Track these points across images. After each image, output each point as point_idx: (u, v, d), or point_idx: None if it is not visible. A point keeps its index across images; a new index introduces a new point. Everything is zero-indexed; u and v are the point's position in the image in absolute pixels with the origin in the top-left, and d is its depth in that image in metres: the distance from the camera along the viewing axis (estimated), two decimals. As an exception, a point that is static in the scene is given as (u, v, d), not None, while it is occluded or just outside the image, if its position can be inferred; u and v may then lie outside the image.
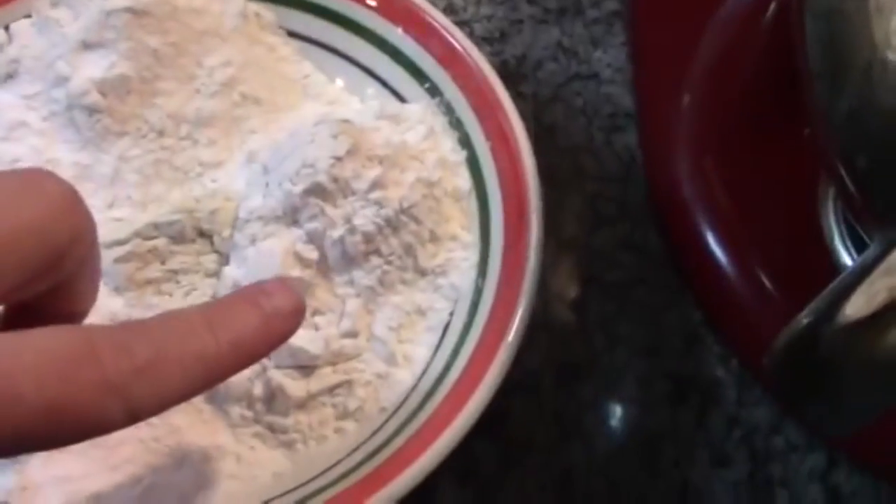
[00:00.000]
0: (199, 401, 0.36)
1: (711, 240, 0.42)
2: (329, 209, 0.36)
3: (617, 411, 0.40)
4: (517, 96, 0.44)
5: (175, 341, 0.26)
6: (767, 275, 0.40)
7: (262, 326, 0.28)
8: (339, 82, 0.42)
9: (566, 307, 0.42)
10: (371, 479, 0.31)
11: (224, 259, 0.37)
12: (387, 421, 0.35)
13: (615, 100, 0.47)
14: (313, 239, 0.36)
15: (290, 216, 0.36)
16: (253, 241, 0.36)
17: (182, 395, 0.26)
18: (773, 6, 0.45)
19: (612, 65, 0.48)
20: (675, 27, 0.48)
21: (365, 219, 0.36)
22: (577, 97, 0.47)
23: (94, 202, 0.38)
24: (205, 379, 0.27)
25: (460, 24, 0.46)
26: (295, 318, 0.30)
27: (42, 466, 0.33)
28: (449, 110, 0.40)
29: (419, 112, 0.40)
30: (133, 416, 0.25)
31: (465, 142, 0.39)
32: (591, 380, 0.40)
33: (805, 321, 0.26)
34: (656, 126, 0.46)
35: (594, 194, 0.45)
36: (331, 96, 0.42)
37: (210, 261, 0.37)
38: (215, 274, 0.37)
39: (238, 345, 0.27)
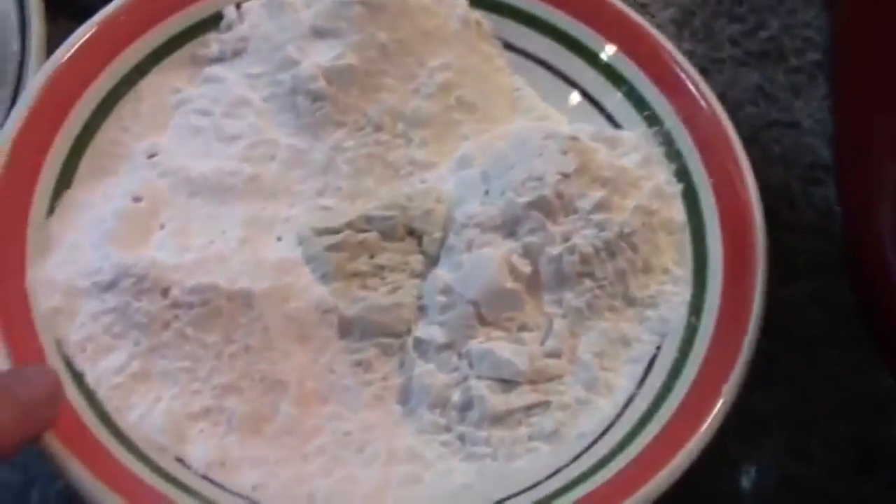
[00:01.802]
0: (390, 400, 0.35)
1: None
2: (550, 225, 0.35)
3: (799, 472, 0.39)
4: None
5: None
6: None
7: (21, 416, 0.28)
8: (569, 98, 0.42)
9: (754, 356, 0.41)
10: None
11: (431, 261, 0.37)
12: (587, 449, 0.34)
13: (815, 150, 0.46)
14: (529, 253, 0.35)
15: (509, 227, 0.36)
16: (469, 247, 0.36)
17: None
18: None
19: (812, 115, 0.47)
20: (880, 82, 0.47)
21: (584, 239, 0.35)
22: (775, 144, 0.46)
23: (304, 188, 0.38)
24: None
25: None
26: (54, 403, 0.30)
27: (239, 445, 0.33)
28: (667, 141, 0.39)
29: (634, 139, 0.39)
30: None
31: (683, 174, 0.38)
32: (774, 435, 0.39)
33: None
34: (857, 182, 0.45)
35: (788, 245, 0.43)
36: (540, 112, 0.42)
37: (417, 261, 0.37)
38: (420, 275, 0.37)
39: None
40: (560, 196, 0.35)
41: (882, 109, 0.45)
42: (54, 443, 0.30)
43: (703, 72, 0.48)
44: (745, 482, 0.38)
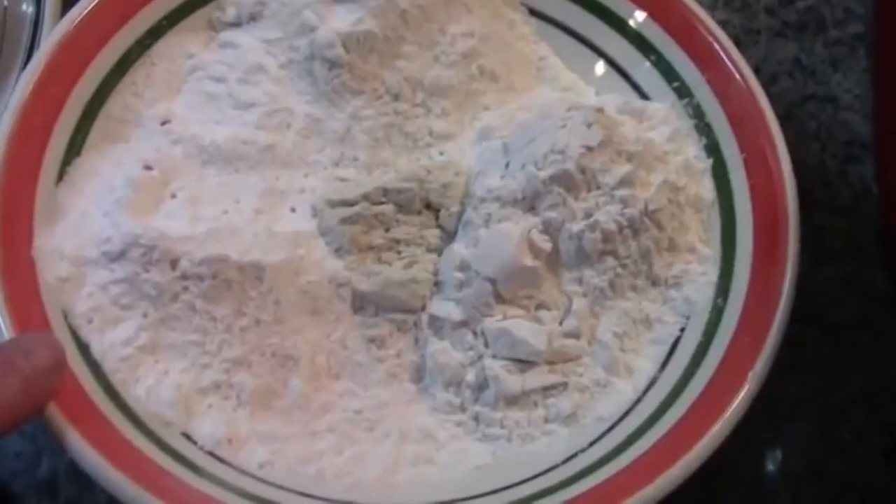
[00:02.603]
0: (404, 378, 0.35)
1: None
2: (571, 200, 0.34)
3: (827, 460, 0.37)
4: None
5: None
6: None
7: (23, 389, 0.27)
8: (596, 68, 0.40)
9: (781, 341, 0.40)
10: (601, 498, 0.29)
11: (447, 235, 0.36)
12: (606, 433, 0.32)
13: (853, 127, 0.44)
14: (549, 229, 0.34)
15: (529, 201, 0.34)
16: (487, 221, 0.34)
17: None
18: None
19: (851, 90, 0.45)
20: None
21: (608, 216, 0.34)
22: (811, 119, 0.44)
23: (320, 158, 0.37)
24: None
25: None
26: (57, 373, 0.29)
27: (248, 421, 0.33)
28: (697, 114, 0.38)
29: (664, 111, 0.38)
30: None
31: (713, 149, 0.37)
32: (803, 422, 0.38)
33: None
34: (896, 160, 0.43)
35: (821, 225, 0.42)
36: (565, 82, 0.40)
37: (433, 235, 0.36)
38: (437, 249, 0.36)
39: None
40: (583, 170, 0.34)
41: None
42: (56, 415, 0.29)
43: (738, 43, 0.45)
44: (771, 470, 0.37)
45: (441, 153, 0.38)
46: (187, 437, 0.32)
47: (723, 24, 0.46)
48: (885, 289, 0.40)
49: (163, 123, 0.37)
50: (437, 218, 0.36)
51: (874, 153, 0.43)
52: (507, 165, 0.35)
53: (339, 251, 0.35)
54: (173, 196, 0.35)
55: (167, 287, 0.33)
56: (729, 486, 0.36)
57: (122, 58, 0.37)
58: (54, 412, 0.29)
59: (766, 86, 0.44)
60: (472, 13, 0.39)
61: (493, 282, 0.34)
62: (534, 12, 0.41)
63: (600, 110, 0.35)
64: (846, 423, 0.38)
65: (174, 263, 0.33)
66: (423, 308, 0.35)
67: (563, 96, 0.40)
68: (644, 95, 0.39)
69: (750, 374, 0.31)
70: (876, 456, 0.37)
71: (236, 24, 0.39)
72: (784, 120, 0.44)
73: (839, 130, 0.44)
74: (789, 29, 0.46)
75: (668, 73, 0.38)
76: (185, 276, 0.33)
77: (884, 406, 0.38)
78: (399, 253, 0.35)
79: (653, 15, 0.39)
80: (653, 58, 0.39)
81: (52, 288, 0.33)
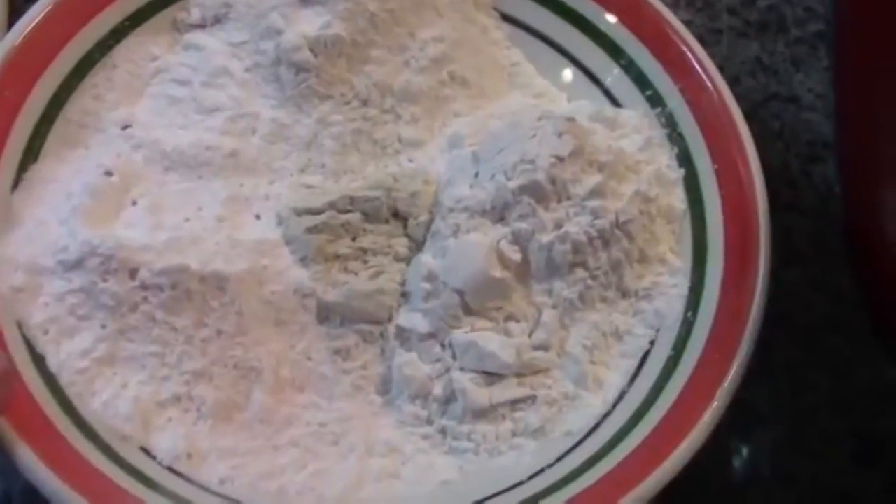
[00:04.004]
0: (370, 391, 0.34)
1: None
2: (541, 211, 0.33)
3: (797, 464, 0.37)
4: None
5: None
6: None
7: None
8: (566, 74, 0.40)
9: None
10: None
11: (416, 245, 0.35)
12: (574, 447, 0.32)
13: (815, 127, 0.44)
14: (518, 240, 0.34)
15: (499, 212, 0.34)
16: (456, 231, 0.34)
17: None
18: None
19: (813, 90, 0.45)
20: (887, 54, 0.44)
21: (578, 227, 0.33)
22: (774, 119, 0.44)
23: (286, 164, 0.37)
24: None
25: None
26: (5, 385, 0.28)
27: (208, 435, 0.32)
28: (670, 123, 0.37)
29: (636, 120, 0.37)
30: None
31: (685, 159, 0.37)
32: (772, 425, 0.37)
33: None
34: (859, 162, 0.42)
35: (787, 227, 0.41)
36: (538, 88, 0.40)
37: (401, 244, 0.35)
38: (405, 259, 0.35)
39: None
40: (553, 181, 0.33)
41: (886, 82, 0.43)
42: (7, 431, 0.28)
43: (701, 43, 0.45)
44: (740, 474, 0.37)
45: (410, 160, 0.37)
46: (146, 452, 0.31)
47: (686, 24, 0.45)
48: (852, 290, 0.40)
49: (124, 128, 0.36)
50: (405, 227, 0.35)
51: (836, 153, 0.43)
52: (476, 175, 0.35)
53: (304, 260, 0.34)
54: (134, 203, 0.34)
55: (126, 297, 0.32)
56: (698, 490, 0.35)
57: (83, 60, 0.37)
58: (5, 428, 0.28)
59: (730, 85, 0.44)
60: (443, 18, 0.39)
61: (461, 293, 0.33)
62: (506, 17, 0.41)
63: (571, 119, 0.34)
64: (815, 427, 0.37)
65: (133, 273, 0.32)
66: (390, 319, 0.34)
67: (535, 103, 0.39)
68: (616, 102, 0.39)
69: (718, 392, 0.30)
70: (845, 459, 0.37)
71: (201, 26, 0.38)
72: (747, 120, 0.43)
73: (802, 130, 0.44)
74: (751, 28, 0.46)
75: (640, 80, 0.38)
76: (144, 287, 0.32)
77: (852, 409, 0.38)
78: (366, 262, 0.35)
79: (623, 21, 0.38)
80: (623, 63, 0.38)
81: (7, 298, 0.32)
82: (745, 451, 0.37)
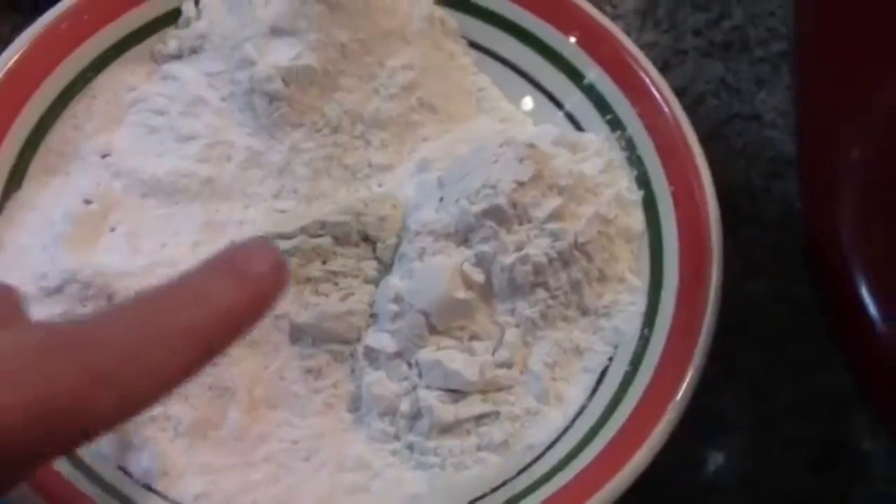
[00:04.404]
0: (341, 408, 0.35)
1: (868, 302, 0.39)
2: (503, 234, 0.35)
3: (759, 471, 0.39)
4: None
5: (161, 319, 0.25)
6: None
7: (248, 293, 0.26)
8: (527, 101, 0.41)
9: (711, 355, 0.41)
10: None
11: (384, 267, 0.37)
12: (535, 461, 0.33)
13: (777, 144, 0.45)
14: (482, 262, 0.35)
15: (463, 235, 0.35)
16: (421, 254, 0.35)
17: (178, 377, 0.25)
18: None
19: (776, 108, 0.46)
20: (845, 73, 0.46)
21: (538, 249, 0.35)
22: (737, 137, 0.45)
23: (260, 190, 0.38)
24: (200, 355, 0.25)
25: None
26: (280, 276, 0.27)
27: (184, 453, 0.33)
28: (630, 146, 0.39)
29: (597, 143, 0.39)
30: (129, 407, 0.24)
31: (643, 181, 0.38)
32: (733, 434, 0.39)
33: None
34: (819, 176, 0.44)
35: (749, 240, 0.43)
36: (505, 113, 0.41)
37: (370, 267, 0.36)
38: (374, 281, 0.36)
39: (226, 316, 0.26)
40: (514, 205, 0.35)
41: (843, 100, 0.45)
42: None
43: (666, 64, 0.47)
44: (703, 482, 0.38)
45: (380, 185, 0.39)
46: (123, 470, 0.32)
47: (651, 46, 0.47)
48: (811, 301, 0.41)
49: (103, 156, 0.38)
50: (374, 250, 0.37)
51: (797, 169, 0.45)
52: (441, 199, 0.36)
53: (277, 283, 0.36)
54: (112, 230, 0.36)
55: (104, 321, 0.33)
56: (662, 497, 0.37)
57: (64, 91, 0.38)
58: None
59: (694, 105, 0.46)
60: (411, 46, 0.40)
61: (426, 314, 0.34)
62: (473, 45, 0.42)
63: (532, 145, 0.36)
64: (776, 433, 0.39)
65: (111, 298, 0.33)
66: (360, 339, 0.35)
67: (501, 127, 0.40)
68: (579, 126, 0.40)
69: (669, 406, 0.32)
70: (805, 465, 0.38)
71: (178, 57, 0.40)
72: (711, 138, 0.45)
73: (764, 147, 0.45)
74: (715, 49, 0.47)
75: (600, 105, 0.39)
76: (122, 311, 0.33)
77: (812, 416, 0.39)
78: (336, 285, 0.36)
79: (584, 47, 0.40)
80: (585, 88, 0.40)
81: (-11, 323, 0.33)
82: (708, 458, 0.38)
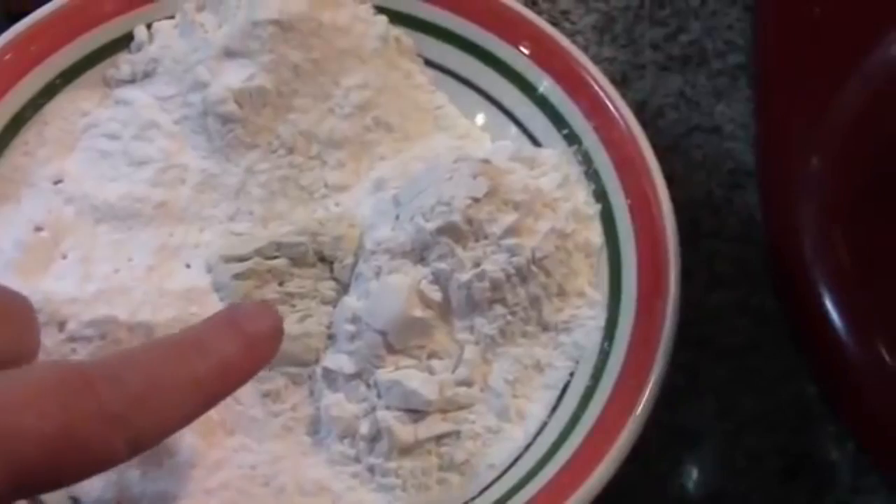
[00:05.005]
0: (299, 431, 0.35)
1: (832, 310, 0.39)
2: (459, 251, 0.34)
3: (725, 483, 0.38)
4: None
5: (168, 368, 0.26)
6: (892, 353, 0.37)
7: (246, 350, 0.28)
8: (480, 118, 0.41)
9: (676, 368, 0.41)
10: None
11: (342, 287, 0.36)
12: (496, 479, 0.33)
13: (737, 156, 0.45)
14: (439, 280, 0.35)
15: (418, 253, 0.35)
16: (378, 274, 0.35)
17: (179, 422, 0.27)
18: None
19: (735, 119, 0.46)
20: (804, 84, 0.46)
21: (495, 265, 0.34)
22: (697, 150, 0.45)
23: (216, 213, 0.38)
24: (200, 404, 0.27)
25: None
26: (275, 340, 0.30)
27: (140, 481, 0.32)
28: (586, 160, 0.38)
29: (555, 158, 0.39)
30: (135, 447, 0.25)
31: (601, 195, 0.38)
32: (699, 447, 0.39)
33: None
34: (779, 186, 0.44)
35: (711, 253, 0.43)
36: (462, 130, 0.41)
37: (327, 287, 0.36)
38: (332, 302, 0.36)
39: (226, 369, 0.28)
40: (470, 221, 0.34)
41: (801, 112, 0.45)
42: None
43: (625, 78, 0.47)
44: (670, 495, 0.38)
45: (337, 204, 0.38)
46: (74, 500, 0.32)
47: (610, 61, 0.47)
48: (775, 312, 0.41)
49: (55, 182, 0.37)
50: (331, 270, 0.36)
51: (757, 180, 0.45)
52: (397, 217, 0.36)
53: (232, 306, 0.35)
54: (64, 257, 0.35)
55: (54, 349, 0.33)
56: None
57: (15, 118, 0.38)
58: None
59: (654, 119, 0.46)
60: (366, 65, 0.40)
61: (383, 334, 0.34)
62: (429, 63, 0.42)
63: (486, 161, 0.36)
64: (742, 446, 0.39)
65: (61, 325, 0.33)
66: (318, 361, 0.35)
67: (459, 144, 0.40)
68: (536, 142, 0.40)
69: (630, 419, 0.31)
70: (772, 476, 0.38)
71: (131, 81, 0.39)
72: (671, 151, 0.45)
73: (724, 159, 0.45)
74: (674, 62, 0.48)
75: (556, 120, 0.39)
76: (72, 339, 0.33)
77: (778, 427, 0.39)
78: (293, 306, 0.36)
79: (538, 63, 0.40)
80: (540, 103, 0.40)
81: (-64, 354, 0.32)
82: (674, 472, 0.38)
